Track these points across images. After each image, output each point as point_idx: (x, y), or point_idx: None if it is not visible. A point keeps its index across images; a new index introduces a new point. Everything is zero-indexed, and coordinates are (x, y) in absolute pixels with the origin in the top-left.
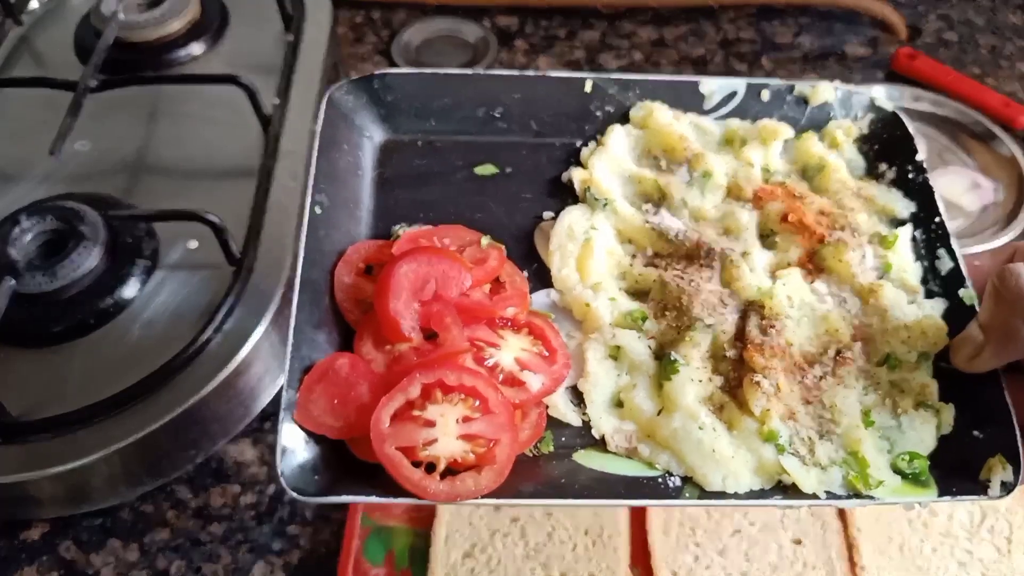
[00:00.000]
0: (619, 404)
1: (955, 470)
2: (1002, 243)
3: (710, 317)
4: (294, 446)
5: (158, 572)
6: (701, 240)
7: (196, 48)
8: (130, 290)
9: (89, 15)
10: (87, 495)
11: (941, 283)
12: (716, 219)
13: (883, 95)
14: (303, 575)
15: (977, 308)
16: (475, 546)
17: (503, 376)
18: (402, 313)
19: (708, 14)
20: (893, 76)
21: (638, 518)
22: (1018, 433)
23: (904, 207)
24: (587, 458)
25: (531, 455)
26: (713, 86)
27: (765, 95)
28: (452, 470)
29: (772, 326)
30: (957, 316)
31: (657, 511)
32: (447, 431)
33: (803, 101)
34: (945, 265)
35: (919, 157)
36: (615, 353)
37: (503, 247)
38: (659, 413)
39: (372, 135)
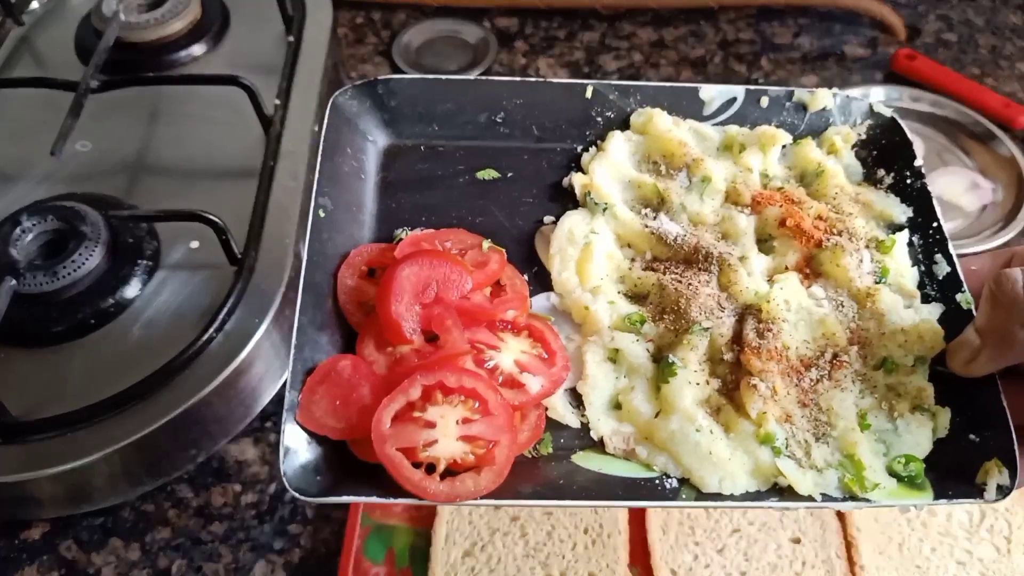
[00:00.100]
0: (617, 406)
1: (951, 473)
2: (1001, 243)
3: (708, 320)
4: (296, 447)
5: (159, 571)
6: (699, 244)
7: (197, 49)
8: (131, 290)
9: (90, 15)
10: (88, 495)
11: (938, 287)
12: (714, 224)
13: (882, 96)
14: (304, 574)
15: (974, 312)
16: (475, 545)
17: (503, 378)
18: (404, 315)
19: (707, 15)
20: (892, 77)
21: (637, 517)
22: (1015, 437)
23: (901, 212)
24: (585, 459)
25: (530, 456)
26: (713, 92)
27: (764, 101)
28: (452, 471)
29: (769, 330)
30: (954, 320)
31: (657, 510)
32: (447, 432)
33: (802, 107)
34: (942, 269)
35: (917, 162)
36: (614, 356)
37: (504, 251)
38: (657, 415)
39: (375, 139)
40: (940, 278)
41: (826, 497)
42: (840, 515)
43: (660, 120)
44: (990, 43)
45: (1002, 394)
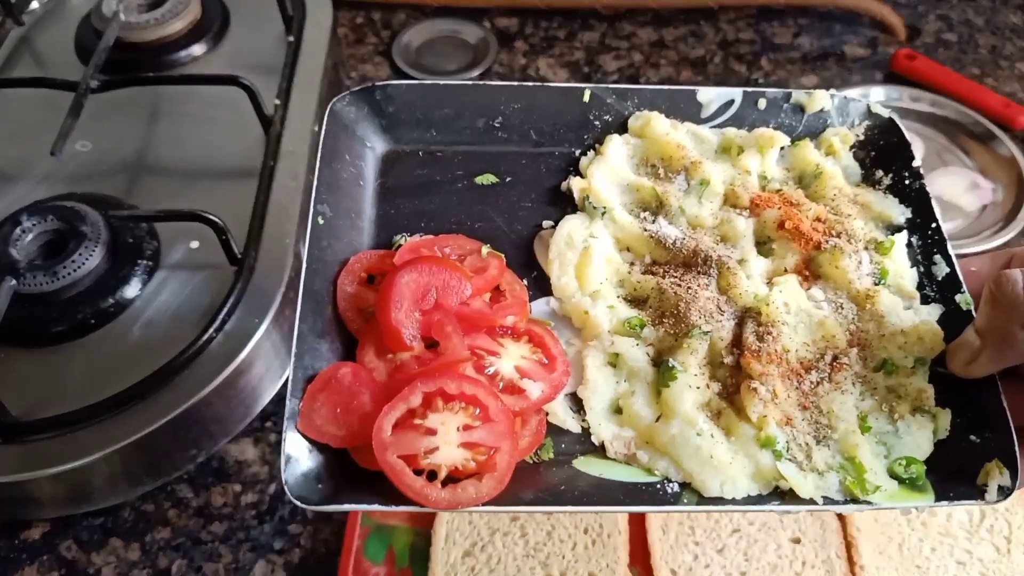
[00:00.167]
0: (618, 411)
1: (952, 475)
2: (1001, 244)
3: (707, 324)
4: (298, 455)
5: (159, 571)
6: (698, 247)
7: (197, 49)
8: (131, 290)
9: (90, 15)
10: (87, 495)
11: (937, 288)
12: (713, 227)
13: (882, 96)
14: (304, 574)
15: (974, 313)
16: (475, 545)
17: (503, 384)
18: (403, 322)
19: (707, 15)
20: (892, 77)
21: (638, 518)
22: (1015, 438)
23: (900, 213)
24: (586, 464)
25: (531, 462)
26: (711, 95)
27: (762, 103)
28: (453, 477)
29: (769, 332)
30: (953, 321)
31: None
32: (448, 439)
33: (800, 109)
34: (941, 270)
35: (915, 163)
36: (614, 360)
37: (503, 256)
38: (657, 419)
39: (374, 146)
40: (939, 279)
41: (827, 500)
42: (840, 515)
43: (658, 123)
44: (990, 43)
45: (1002, 395)
